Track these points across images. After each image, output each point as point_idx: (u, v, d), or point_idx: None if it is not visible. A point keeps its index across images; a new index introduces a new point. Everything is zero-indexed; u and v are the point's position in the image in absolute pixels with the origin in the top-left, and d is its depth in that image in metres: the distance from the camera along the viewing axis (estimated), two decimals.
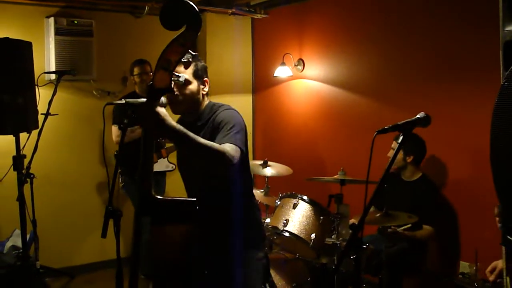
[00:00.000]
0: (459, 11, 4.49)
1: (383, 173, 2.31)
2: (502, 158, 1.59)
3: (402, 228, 4.18)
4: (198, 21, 2.27)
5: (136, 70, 5.38)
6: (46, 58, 5.61)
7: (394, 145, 4.48)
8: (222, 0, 6.24)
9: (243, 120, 2.85)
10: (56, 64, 5.51)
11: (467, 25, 4.41)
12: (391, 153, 4.50)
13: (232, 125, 2.72)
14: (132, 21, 6.18)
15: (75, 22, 5.64)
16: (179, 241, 2.44)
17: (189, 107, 2.90)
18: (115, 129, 5.23)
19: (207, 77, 2.93)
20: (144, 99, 3.00)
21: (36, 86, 4.39)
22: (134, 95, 5.29)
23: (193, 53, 2.49)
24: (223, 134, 2.67)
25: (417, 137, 4.35)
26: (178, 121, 2.99)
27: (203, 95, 2.92)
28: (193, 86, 2.84)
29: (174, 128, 2.38)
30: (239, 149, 2.61)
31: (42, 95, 4.52)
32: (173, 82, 2.42)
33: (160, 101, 2.94)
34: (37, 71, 4.48)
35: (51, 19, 5.54)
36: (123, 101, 3.10)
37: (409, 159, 4.50)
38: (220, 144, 2.59)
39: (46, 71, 5.36)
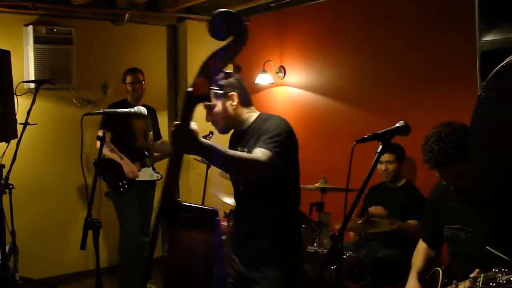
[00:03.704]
0: (438, 21, 4.54)
1: (363, 181, 2.31)
2: (480, 169, 1.59)
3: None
4: (245, 34, 2.28)
5: (128, 79, 5.34)
6: (25, 66, 5.55)
7: (388, 157, 4.52)
8: (203, 7, 6.23)
9: (289, 128, 2.81)
10: (35, 72, 5.45)
11: (446, 34, 4.45)
12: (381, 167, 4.54)
13: (272, 133, 2.70)
14: (112, 29, 6.14)
15: (55, 30, 5.59)
16: (196, 247, 2.45)
17: (228, 125, 2.89)
18: (101, 134, 5.12)
19: (234, 90, 2.84)
20: (125, 109, 2.99)
21: (14, 95, 4.34)
22: (125, 103, 5.23)
23: (228, 72, 2.49)
24: (261, 140, 2.68)
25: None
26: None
27: (236, 107, 2.85)
28: (217, 108, 2.81)
29: (204, 146, 2.38)
30: (271, 154, 2.60)
31: (21, 104, 4.47)
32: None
33: (139, 111, 2.93)
34: (15, 80, 4.43)
35: (30, 27, 5.48)
36: (101, 111, 3.09)
37: (392, 167, 4.55)
38: (254, 148, 2.64)
39: (25, 80, 5.30)
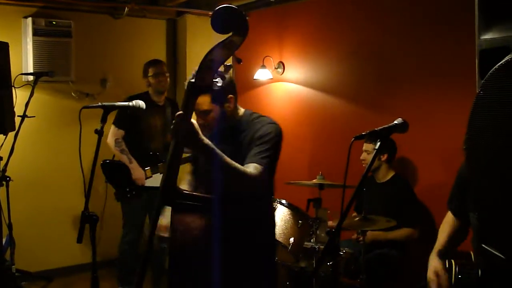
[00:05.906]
0: (437, 18, 4.54)
1: (361, 177, 2.32)
2: (477, 167, 1.59)
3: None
4: (245, 29, 2.35)
5: (151, 71, 5.00)
6: (24, 59, 5.54)
7: (366, 147, 4.50)
8: (203, 2, 6.23)
9: (280, 133, 2.80)
10: (33, 65, 5.44)
11: (445, 32, 4.45)
12: (363, 156, 4.52)
13: (267, 145, 2.70)
14: (112, 22, 6.13)
15: (54, 22, 5.58)
16: (197, 231, 2.55)
17: (220, 127, 2.83)
18: (113, 129, 4.87)
19: (231, 93, 2.84)
20: (123, 103, 3.00)
21: (13, 88, 4.33)
22: (146, 96, 4.92)
23: (227, 64, 2.55)
24: (255, 151, 2.67)
25: None
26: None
27: (232, 109, 2.86)
28: (215, 112, 2.77)
29: (204, 143, 2.37)
30: (262, 169, 2.61)
31: (19, 96, 4.46)
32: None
33: (137, 105, 2.93)
34: (14, 72, 4.42)
35: (29, 20, 5.48)
36: (99, 104, 3.08)
37: (383, 158, 4.52)
38: (248, 162, 2.62)
39: (23, 72, 5.30)
